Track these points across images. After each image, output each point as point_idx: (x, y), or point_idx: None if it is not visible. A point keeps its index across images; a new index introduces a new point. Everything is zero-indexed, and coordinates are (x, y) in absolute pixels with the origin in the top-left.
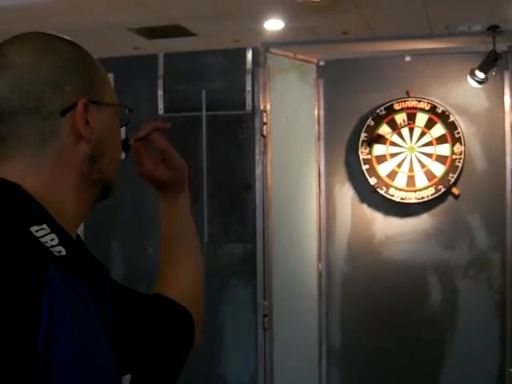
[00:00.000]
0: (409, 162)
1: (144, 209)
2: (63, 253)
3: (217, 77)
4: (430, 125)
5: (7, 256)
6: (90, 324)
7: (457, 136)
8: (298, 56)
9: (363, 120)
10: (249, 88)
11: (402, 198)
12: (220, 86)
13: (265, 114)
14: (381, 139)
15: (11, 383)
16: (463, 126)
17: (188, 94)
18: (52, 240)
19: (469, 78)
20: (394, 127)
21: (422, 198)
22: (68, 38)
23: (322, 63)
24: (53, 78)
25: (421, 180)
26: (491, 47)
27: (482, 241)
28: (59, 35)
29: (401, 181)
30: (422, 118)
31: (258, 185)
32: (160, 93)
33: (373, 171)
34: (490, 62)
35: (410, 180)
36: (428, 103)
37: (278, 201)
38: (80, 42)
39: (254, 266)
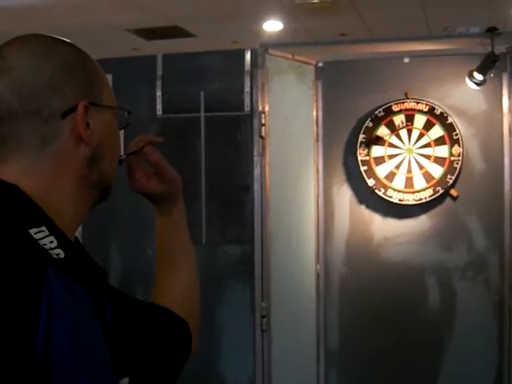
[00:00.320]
0: (407, 163)
1: (142, 211)
2: (62, 255)
3: (215, 78)
4: (428, 126)
5: (6, 258)
6: (88, 327)
7: (455, 138)
8: (297, 57)
9: (361, 121)
10: (247, 89)
11: (400, 200)
12: (218, 87)
13: (263, 116)
14: (379, 141)
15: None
16: (461, 127)
17: (186, 95)
18: (51, 242)
19: (467, 80)
20: (393, 129)
21: (420, 199)
22: (67, 40)
23: (320, 64)
24: (53, 81)
25: (419, 181)
26: (489, 49)
27: (480, 242)
28: (59, 37)
29: (399, 182)
30: (420, 120)
31: (256, 186)
32: (158, 94)
33: (371, 172)
34: (488, 64)
35: (409, 181)
36: (426, 105)
37: (277, 202)
38: (79, 43)
39: (252, 267)
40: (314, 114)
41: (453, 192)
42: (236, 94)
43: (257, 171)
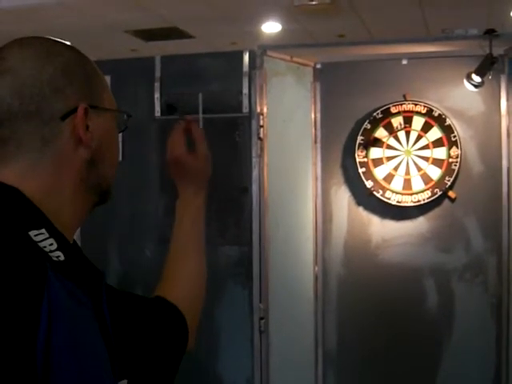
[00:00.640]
0: (405, 165)
1: (141, 212)
2: (62, 258)
3: (213, 79)
4: (426, 128)
5: (7, 260)
6: (88, 330)
7: (453, 139)
8: (295, 59)
9: (360, 123)
10: (245, 91)
11: (398, 202)
12: (217, 89)
13: (261, 117)
14: (377, 142)
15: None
16: (459, 129)
17: (185, 97)
18: (51, 245)
19: (465, 82)
20: (391, 130)
21: (419, 201)
22: (68, 42)
23: (318, 66)
24: (53, 83)
25: (417, 183)
26: (488, 51)
27: (478, 244)
28: (59, 40)
29: (397, 184)
30: (418, 122)
31: (254, 187)
32: (157, 95)
33: (369, 174)
34: (486, 66)
35: (407, 183)
36: (424, 106)
37: (275, 204)
38: (78, 44)
39: (251, 268)
40: (313, 115)
41: (451, 194)
42: (234, 95)
43: (255, 173)
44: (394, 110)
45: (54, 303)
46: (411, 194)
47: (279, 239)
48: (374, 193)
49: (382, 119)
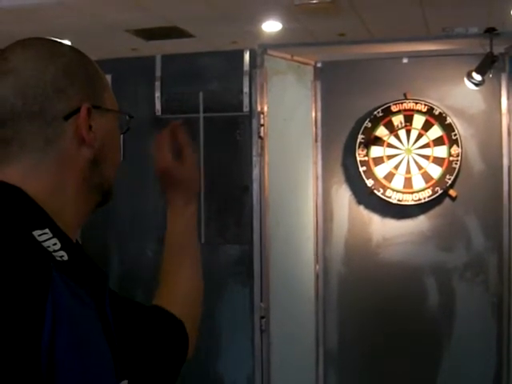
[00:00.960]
0: (406, 163)
1: (141, 212)
2: (65, 258)
3: (214, 78)
4: (427, 127)
5: (11, 261)
6: (91, 330)
7: (454, 138)
8: (295, 58)
9: (360, 122)
10: (246, 90)
11: (399, 200)
12: (217, 88)
13: (262, 116)
14: (378, 141)
15: None
16: (460, 127)
17: (185, 96)
18: (54, 245)
19: (466, 80)
20: (391, 129)
21: (419, 199)
22: (69, 43)
23: (319, 65)
24: (56, 83)
25: (418, 182)
26: (488, 49)
27: (478, 243)
28: (62, 41)
29: (398, 183)
30: (419, 120)
31: (255, 186)
32: (157, 94)
33: (370, 173)
34: (487, 64)
35: (407, 182)
36: (425, 105)
37: (275, 202)
38: (78, 44)
39: (251, 267)
40: (313, 114)
41: (452, 192)
42: (235, 94)
43: (256, 172)
44: (394, 108)
45: (59, 303)
46: (412, 193)
47: (280, 238)
48: (375, 191)
49: (382, 118)
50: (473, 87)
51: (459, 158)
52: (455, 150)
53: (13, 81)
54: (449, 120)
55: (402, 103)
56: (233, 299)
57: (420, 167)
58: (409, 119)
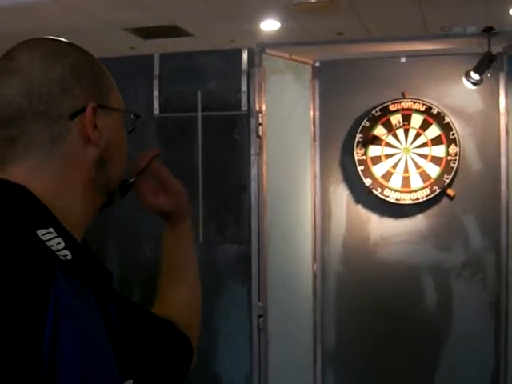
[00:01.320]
0: (404, 163)
1: (140, 212)
2: (69, 257)
3: (212, 77)
4: (425, 126)
5: (13, 259)
6: (95, 330)
7: (452, 137)
8: (294, 57)
9: (358, 121)
10: (244, 88)
11: (397, 199)
12: (215, 87)
13: (260, 115)
14: (376, 140)
15: None
16: (458, 127)
17: (183, 95)
18: (58, 244)
19: (464, 80)
20: (389, 128)
21: (417, 198)
22: (75, 43)
23: (317, 64)
24: (62, 82)
25: (416, 181)
26: (486, 49)
27: (476, 242)
28: (68, 41)
29: (396, 182)
30: (417, 119)
31: (253, 185)
32: (156, 93)
33: (368, 172)
34: (485, 64)
35: (405, 181)
36: (423, 104)
37: (274, 201)
38: (76, 42)
39: (249, 266)
40: (311, 113)
41: (449, 191)
42: (233, 93)
43: (254, 171)
44: (392, 107)
45: (61, 302)
46: (410, 192)
47: (278, 237)
48: (373, 191)
49: (380, 117)
50: (471, 86)
51: (457, 158)
52: (453, 149)
53: (19, 80)
54: (447, 119)
55: (400, 102)
56: (231, 298)
57: (418, 166)
58: (407, 118)
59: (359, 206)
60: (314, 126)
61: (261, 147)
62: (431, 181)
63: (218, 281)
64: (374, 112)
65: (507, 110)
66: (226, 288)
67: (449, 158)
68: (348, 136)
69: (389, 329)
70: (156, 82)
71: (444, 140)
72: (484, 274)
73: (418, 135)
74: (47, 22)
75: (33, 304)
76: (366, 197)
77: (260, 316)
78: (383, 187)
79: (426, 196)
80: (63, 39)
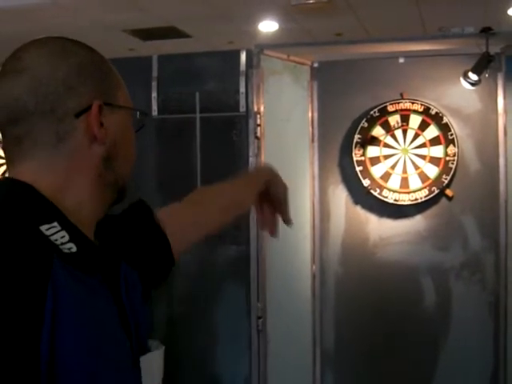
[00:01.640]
0: (402, 163)
1: None
2: (74, 249)
3: (211, 78)
4: (423, 126)
5: (11, 256)
6: (102, 318)
7: (450, 138)
8: (292, 58)
9: (357, 122)
10: (242, 90)
11: (395, 200)
12: (214, 88)
13: (258, 116)
14: (374, 141)
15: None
16: (457, 127)
17: (182, 96)
18: (62, 237)
19: (462, 80)
20: (388, 129)
21: (416, 199)
22: (83, 42)
23: (315, 65)
24: (68, 81)
25: (414, 182)
26: (484, 49)
27: (475, 242)
28: (75, 39)
29: (394, 182)
30: (415, 120)
31: None
32: (154, 94)
33: (366, 173)
34: (483, 64)
35: (404, 182)
36: (421, 105)
37: None
38: None
39: (248, 267)
40: (310, 114)
41: (448, 192)
42: (231, 94)
43: None
44: (390, 108)
45: (59, 293)
46: (408, 193)
47: (276, 238)
48: (372, 191)
49: (378, 118)
50: (469, 87)
51: (455, 158)
52: (451, 149)
53: (26, 79)
54: (445, 120)
55: (398, 103)
56: (230, 299)
57: (416, 167)
58: (405, 119)
59: (358, 207)
60: (313, 127)
61: (259, 148)
62: (430, 181)
63: (216, 282)
64: (372, 113)
65: (505, 111)
66: (225, 289)
67: (447, 158)
68: (346, 137)
69: (388, 329)
70: (154, 84)
71: (442, 140)
72: (483, 274)
73: (416, 136)
74: (46, 23)
75: (30, 296)
76: (364, 197)
77: (259, 317)
78: (382, 188)
79: (425, 196)
80: (70, 38)
